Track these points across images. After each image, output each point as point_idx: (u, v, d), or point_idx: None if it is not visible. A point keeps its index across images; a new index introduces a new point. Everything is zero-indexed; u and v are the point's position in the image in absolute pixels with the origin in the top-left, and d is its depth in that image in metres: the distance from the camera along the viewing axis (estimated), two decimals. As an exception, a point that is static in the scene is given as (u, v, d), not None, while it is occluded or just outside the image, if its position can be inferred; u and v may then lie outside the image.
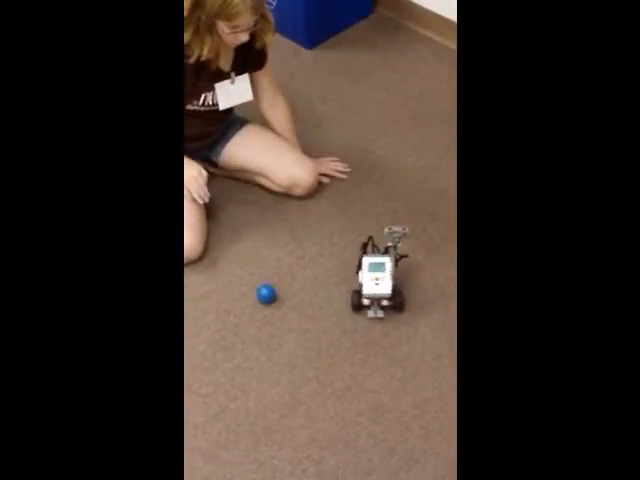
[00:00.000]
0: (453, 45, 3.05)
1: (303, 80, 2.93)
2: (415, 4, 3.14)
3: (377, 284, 2.12)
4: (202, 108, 2.31)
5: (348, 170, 2.56)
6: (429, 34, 3.14)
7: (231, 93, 2.32)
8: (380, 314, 2.15)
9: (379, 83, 2.94)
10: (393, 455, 1.89)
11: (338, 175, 2.55)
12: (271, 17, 2.21)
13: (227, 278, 2.28)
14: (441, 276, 2.26)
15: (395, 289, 2.13)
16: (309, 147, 2.58)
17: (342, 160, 2.58)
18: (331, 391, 2.01)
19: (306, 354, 2.09)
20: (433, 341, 2.12)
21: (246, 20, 2.07)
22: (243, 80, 2.33)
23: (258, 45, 2.24)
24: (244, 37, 2.13)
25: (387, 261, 2.13)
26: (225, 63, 2.27)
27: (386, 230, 2.13)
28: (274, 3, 2.93)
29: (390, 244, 2.15)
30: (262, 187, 2.51)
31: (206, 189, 2.28)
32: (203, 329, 2.15)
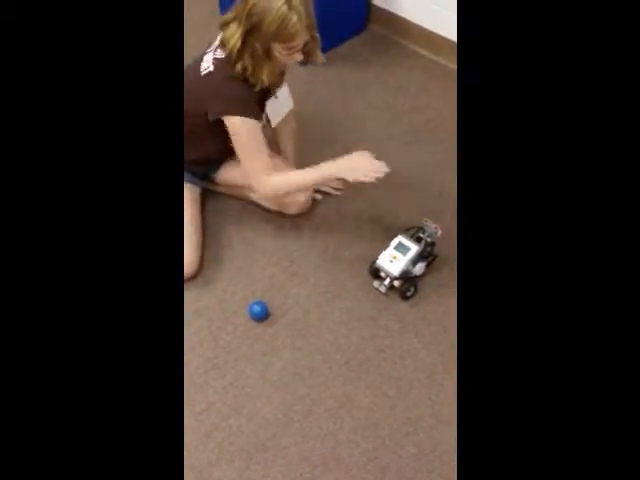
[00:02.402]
0: (444, 61, 3.07)
1: (296, 95, 2.91)
2: (408, 21, 3.16)
3: (391, 261, 2.21)
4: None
5: (341, 187, 2.56)
6: (421, 51, 3.16)
7: (277, 108, 2.33)
8: (382, 289, 2.25)
9: (372, 99, 2.95)
10: (386, 473, 1.88)
11: (332, 192, 2.55)
12: (317, 35, 2.18)
13: (220, 295, 2.28)
14: (435, 294, 2.27)
15: (407, 276, 2.21)
16: (302, 163, 2.57)
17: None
18: (324, 409, 2.01)
19: (299, 372, 2.09)
20: (426, 359, 2.11)
21: (302, 39, 2.06)
22: (283, 91, 2.35)
23: (311, 60, 2.21)
24: (299, 57, 2.12)
25: (414, 248, 2.21)
26: (275, 82, 2.25)
27: (424, 221, 2.25)
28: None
29: (421, 235, 2.25)
30: (257, 205, 2.51)
31: (378, 163, 2.19)
32: (195, 346, 2.15)
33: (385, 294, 2.25)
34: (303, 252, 2.40)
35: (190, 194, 2.38)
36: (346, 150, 2.69)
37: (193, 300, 2.26)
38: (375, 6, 3.27)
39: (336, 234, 2.44)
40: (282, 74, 2.30)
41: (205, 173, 2.46)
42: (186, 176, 2.33)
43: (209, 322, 2.20)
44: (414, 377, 2.07)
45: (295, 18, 1.98)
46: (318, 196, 2.53)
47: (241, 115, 2.13)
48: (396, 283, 2.23)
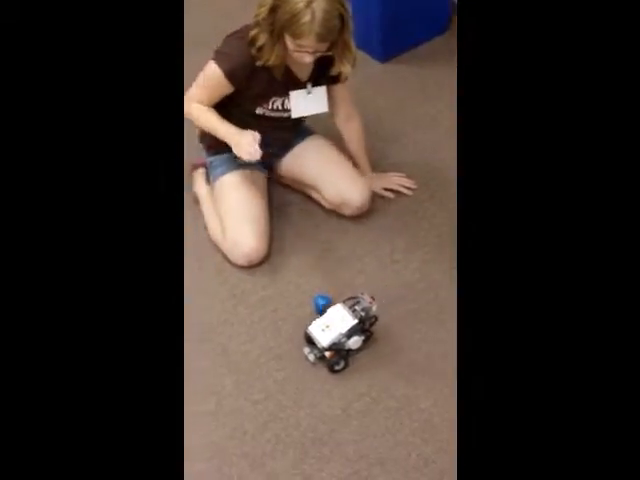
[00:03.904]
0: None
1: (372, 93, 2.91)
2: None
3: (323, 330, 2.03)
4: (271, 113, 2.30)
5: (414, 187, 2.53)
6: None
7: (306, 103, 2.31)
8: (311, 357, 2.07)
9: (449, 101, 2.91)
10: (443, 478, 1.85)
11: (403, 190, 2.52)
12: (354, 49, 2.17)
13: (285, 286, 2.27)
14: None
15: (338, 348, 2.03)
16: (375, 161, 2.56)
17: (408, 176, 2.55)
18: (383, 408, 1.98)
19: (360, 369, 2.07)
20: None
21: (311, 43, 2.03)
22: (320, 92, 2.31)
23: (333, 71, 2.22)
24: (308, 58, 2.10)
25: (348, 320, 2.03)
26: (302, 72, 2.26)
27: (360, 294, 2.10)
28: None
29: (357, 308, 2.06)
30: (316, 202, 2.49)
31: (257, 146, 2.15)
32: (258, 335, 2.14)
33: (313, 363, 2.07)
34: (370, 250, 2.37)
35: (256, 181, 2.38)
36: (422, 150, 2.67)
37: (258, 288, 2.26)
38: (458, 8, 3.23)
39: (405, 234, 2.41)
40: (315, 67, 2.25)
41: (269, 164, 2.46)
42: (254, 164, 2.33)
43: (273, 312, 2.20)
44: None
45: (307, 19, 1.96)
46: (389, 194, 2.50)
47: (217, 60, 2.18)
48: (327, 354, 2.04)
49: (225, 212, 2.31)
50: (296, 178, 2.49)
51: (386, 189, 2.51)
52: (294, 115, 2.31)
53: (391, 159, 2.63)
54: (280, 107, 2.29)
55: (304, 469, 1.88)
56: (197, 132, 2.43)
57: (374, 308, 2.07)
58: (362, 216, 2.44)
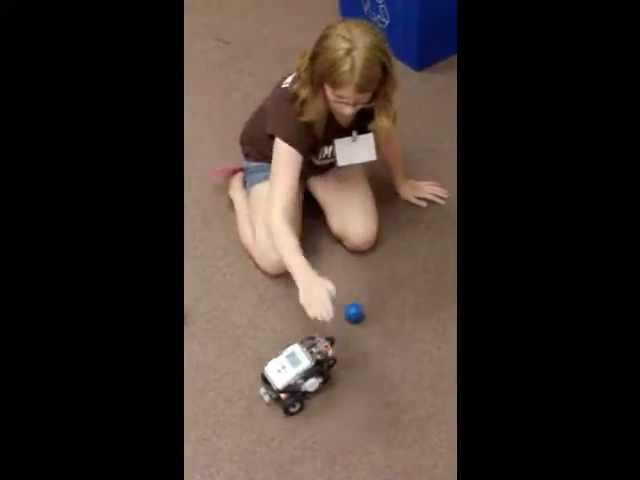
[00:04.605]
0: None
1: (407, 101, 2.89)
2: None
3: (279, 371, 1.98)
4: (321, 162, 2.29)
5: (447, 196, 2.53)
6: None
7: (352, 151, 2.24)
8: (266, 398, 2.01)
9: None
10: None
11: (437, 200, 2.52)
12: (393, 103, 2.09)
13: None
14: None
15: (294, 390, 1.98)
16: (409, 170, 2.56)
17: (442, 185, 2.55)
18: (411, 418, 2.00)
19: (388, 378, 2.08)
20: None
21: (350, 93, 1.96)
22: (366, 139, 2.23)
23: (372, 125, 2.15)
24: (348, 110, 2.01)
25: (305, 362, 1.98)
26: (345, 120, 2.19)
27: (316, 335, 2.05)
28: (386, 22, 2.93)
29: (313, 350, 2.02)
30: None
31: (330, 307, 1.94)
32: (290, 341, 2.15)
33: (267, 404, 2.02)
34: (404, 258, 2.38)
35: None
36: (450, 157, 2.64)
37: (289, 294, 2.26)
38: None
39: (438, 244, 2.42)
40: (358, 115, 2.13)
41: (304, 174, 2.45)
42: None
43: (304, 319, 2.20)
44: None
45: (346, 67, 1.90)
46: (423, 204, 2.51)
47: (281, 137, 2.10)
48: (282, 395, 1.98)
49: (258, 220, 2.31)
50: (312, 194, 2.47)
51: (419, 198, 2.52)
52: (340, 164, 2.25)
53: (426, 167, 2.64)
54: (329, 155, 2.27)
55: (331, 476, 1.89)
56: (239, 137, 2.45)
57: (330, 353, 2.02)
58: (396, 224, 2.45)
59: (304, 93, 2.03)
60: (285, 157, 2.11)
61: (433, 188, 2.54)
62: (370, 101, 2.05)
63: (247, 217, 2.38)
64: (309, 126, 2.09)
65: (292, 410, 2.00)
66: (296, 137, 2.10)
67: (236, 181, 2.50)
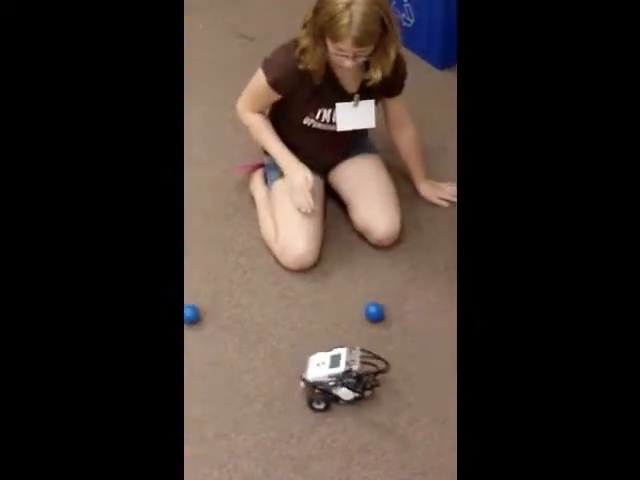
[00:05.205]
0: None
1: (430, 100, 2.90)
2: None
3: (318, 365, 1.99)
4: (319, 125, 2.31)
5: (459, 199, 2.53)
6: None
7: (352, 116, 2.28)
8: (301, 384, 2.00)
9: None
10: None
11: (456, 200, 2.51)
12: (392, 55, 2.14)
13: (337, 291, 2.29)
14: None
15: (323, 389, 1.97)
16: (430, 169, 2.56)
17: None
18: (430, 419, 2.00)
19: (408, 379, 2.08)
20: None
21: (348, 47, 2.02)
22: (367, 105, 2.28)
23: (366, 75, 2.19)
24: (348, 63, 2.08)
25: (341, 367, 1.96)
26: (350, 84, 2.25)
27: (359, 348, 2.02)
28: (412, 21, 2.92)
29: (358, 364, 1.99)
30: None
31: (310, 197, 2.26)
32: (310, 338, 2.16)
33: (302, 390, 2.02)
34: (424, 258, 2.38)
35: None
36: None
37: (310, 292, 2.28)
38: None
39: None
40: (364, 80, 2.23)
41: (324, 169, 2.47)
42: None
43: (325, 317, 2.22)
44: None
45: (345, 21, 1.97)
46: (445, 204, 2.51)
47: (263, 71, 2.22)
48: (317, 390, 1.98)
49: (279, 217, 2.32)
50: (335, 190, 2.49)
51: (441, 198, 2.51)
52: (339, 128, 2.29)
53: (446, 167, 2.61)
54: (328, 119, 2.29)
55: (349, 474, 1.90)
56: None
57: (355, 367, 1.97)
58: (417, 224, 2.45)
59: (305, 42, 2.10)
60: (258, 86, 2.26)
61: (454, 188, 2.53)
62: (371, 55, 2.11)
63: (268, 213, 2.39)
64: (303, 74, 2.16)
65: (315, 406, 2.01)
66: (275, 76, 2.20)
67: (257, 177, 2.51)
